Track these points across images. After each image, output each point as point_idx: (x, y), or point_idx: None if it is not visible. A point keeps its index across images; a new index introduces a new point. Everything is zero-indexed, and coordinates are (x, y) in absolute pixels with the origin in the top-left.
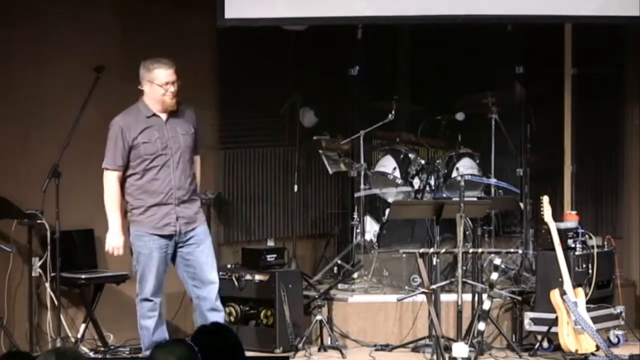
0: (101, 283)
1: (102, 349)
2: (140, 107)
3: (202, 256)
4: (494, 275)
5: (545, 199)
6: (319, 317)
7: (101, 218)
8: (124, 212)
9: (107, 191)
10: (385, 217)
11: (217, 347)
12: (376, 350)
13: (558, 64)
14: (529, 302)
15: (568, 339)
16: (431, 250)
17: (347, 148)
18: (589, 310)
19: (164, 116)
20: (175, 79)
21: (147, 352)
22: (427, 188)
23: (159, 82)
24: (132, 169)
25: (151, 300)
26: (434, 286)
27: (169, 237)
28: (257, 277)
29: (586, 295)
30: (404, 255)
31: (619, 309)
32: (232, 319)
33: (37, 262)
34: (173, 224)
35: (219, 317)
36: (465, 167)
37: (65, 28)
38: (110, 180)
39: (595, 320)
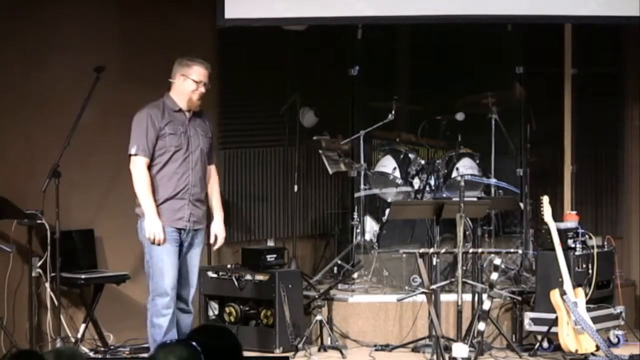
0: (101, 283)
1: (102, 349)
2: (167, 101)
3: (194, 258)
4: (494, 275)
5: (545, 199)
6: (319, 317)
7: (101, 218)
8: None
9: (139, 177)
10: (385, 217)
11: (216, 347)
12: (376, 350)
13: (558, 64)
14: (529, 302)
15: (568, 339)
16: (431, 250)
17: (347, 148)
18: (589, 310)
19: (187, 114)
20: (207, 82)
21: None
22: (427, 188)
23: (194, 78)
24: (153, 160)
25: (169, 295)
26: (434, 286)
27: (179, 231)
28: (257, 277)
29: (586, 295)
30: (404, 255)
31: (619, 309)
32: (232, 319)
33: (37, 262)
34: (185, 219)
35: (190, 318)
36: (465, 167)
37: (65, 28)
38: (140, 166)
39: (595, 320)
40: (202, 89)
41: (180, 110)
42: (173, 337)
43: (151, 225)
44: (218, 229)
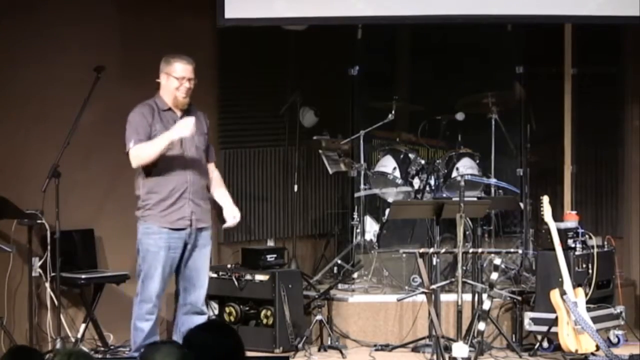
0: (101, 283)
1: (102, 349)
2: (157, 101)
3: (200, 260)
4: (494, 275)
5: (545, 199)
6: (319, 317)
7: (101, 218)
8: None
9: (143, 150)
10: (385, 217)
11: (218, 345)
12: (376, 350)
13: (558, 64)
14: (529, 302)
15: (568, 339)
16: (431, 250)
17: (347, 148)
18: (589, 310)
19: (178, 113)
20: (192, 77)
21: (136, 354)
22: (427, 188)
23: (175, 75)
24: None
25: (152, 302)
26: (434, 286)
27: (180, 233)
28: (257, 277)
29: (586, 295)
30: (404, 255)
31: (619, 309)
32: (232, 319)
33: (37, 262)
34: (187, 219)
35: (200, 318)
36: (465, 167)
37: (65, 28)
38: (137, 146)
39: (595, 320)
40: (187, 85)
41: (170, 109)
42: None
43: (178, 127)
44: (233, 210)
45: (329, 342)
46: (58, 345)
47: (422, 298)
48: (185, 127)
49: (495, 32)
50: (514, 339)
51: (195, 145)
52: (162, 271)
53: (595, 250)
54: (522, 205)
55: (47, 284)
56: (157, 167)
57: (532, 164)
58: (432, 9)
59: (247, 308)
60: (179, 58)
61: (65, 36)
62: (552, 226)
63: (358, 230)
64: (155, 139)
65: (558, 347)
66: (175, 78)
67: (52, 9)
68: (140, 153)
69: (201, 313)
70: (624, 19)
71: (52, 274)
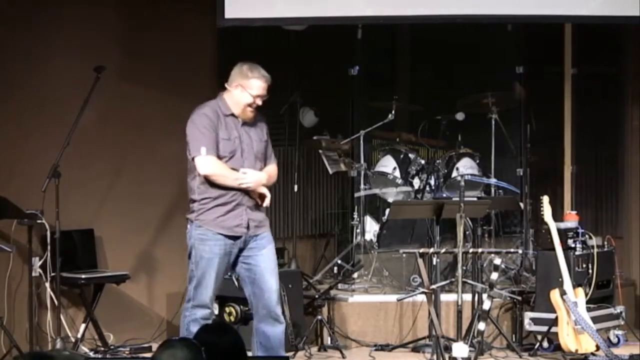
0: (101, 283)
1: (102, 349)
2: (220, 104)
3: (264, 261)
4: (494, 275)
5: (545, 199)
6: (319, 317)
7: (101, 218)
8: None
9: (222, 169)
10: (385, 217)
11: (220, 346)
12: (376, 350)
13: (558, 64)
14: (529, 302)
15: (568, 339)
16: (431, 250)
17: (347, 148)
18: (589, 310)
19: (240, 119)
20: (266, 94)
21: None
22: (427, 188)
23: (251, 92)
24: None
25: (209, 308)
26: (434, 286)
27: (235, 239)
28: None
29: (586, 295)
30: (404, 255)
31: (619, 309)
32: (232, 319)
33: (37, 262)
34: (244, 226)
35: (277, 326)
36: (465, 167)
37: (65, 28)
38: (217, 161)
39: (595, 320)
40: (259, 102)
41: (232, 114)
42: None
43: (248, 176)
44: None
45: (329, 342)
46: (58, 345)
47: (422, 298)
48: (253, 181)
49: (495, 32)
50: (514, 339)
51: (254, 154)
52: (216, 278)
53: (595, 250)
54: (522, 205)
55: (47, 284)
56: None
57: (532, 164)
58: (432, 9)
59: (247, 308)
60: (258, 74)
61: (65, 36)
62: (552, 226)
63: (358, 230)
64: (233, 172)
65: (558, 347)
66: (251, 95)
67: (52, 9)
68: (217, 171)
69: (276, 319)
70: (624, 19)
71: (52, 274)
